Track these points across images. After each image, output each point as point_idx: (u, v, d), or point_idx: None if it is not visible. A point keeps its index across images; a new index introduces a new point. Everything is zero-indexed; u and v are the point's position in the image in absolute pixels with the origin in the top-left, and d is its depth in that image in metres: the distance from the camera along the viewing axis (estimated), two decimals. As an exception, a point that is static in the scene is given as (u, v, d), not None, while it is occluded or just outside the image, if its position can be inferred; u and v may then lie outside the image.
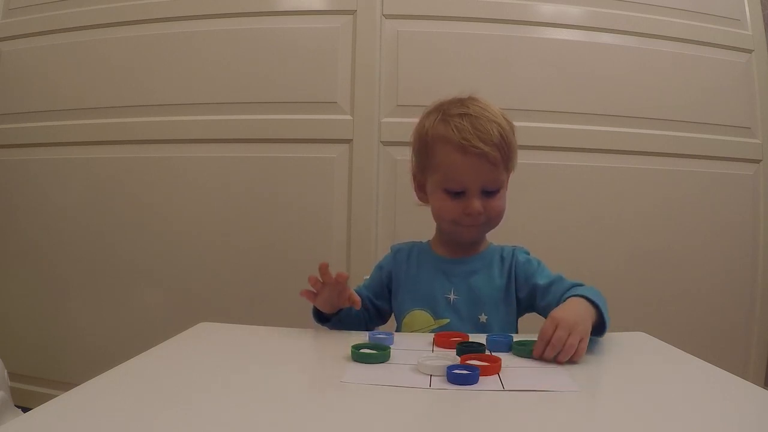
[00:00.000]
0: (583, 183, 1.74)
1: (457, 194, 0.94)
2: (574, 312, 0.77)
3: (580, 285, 0.91)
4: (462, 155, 0.92)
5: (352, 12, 1.74)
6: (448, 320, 0.96)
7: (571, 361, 0.70)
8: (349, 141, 1.72)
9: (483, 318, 0.96)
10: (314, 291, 0.91)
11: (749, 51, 1.85)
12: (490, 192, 0.95)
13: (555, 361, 0.70)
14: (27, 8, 1.92)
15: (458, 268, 1.00)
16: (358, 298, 0.92)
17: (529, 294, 0.97)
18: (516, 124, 1.01)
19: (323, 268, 0.88)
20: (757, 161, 1.84)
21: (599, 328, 0.80)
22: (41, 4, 1.90)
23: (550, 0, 1.76)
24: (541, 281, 0.95)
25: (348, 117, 1.72)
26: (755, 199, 1.83)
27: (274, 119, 1.74)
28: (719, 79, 1.82)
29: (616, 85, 1.76)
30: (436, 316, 0.97)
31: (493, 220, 0.97)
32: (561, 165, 1.73)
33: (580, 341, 0.71)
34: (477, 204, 0.93)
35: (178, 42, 1.79)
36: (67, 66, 1.86)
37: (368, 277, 1.11)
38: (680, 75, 1.80)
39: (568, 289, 0.89)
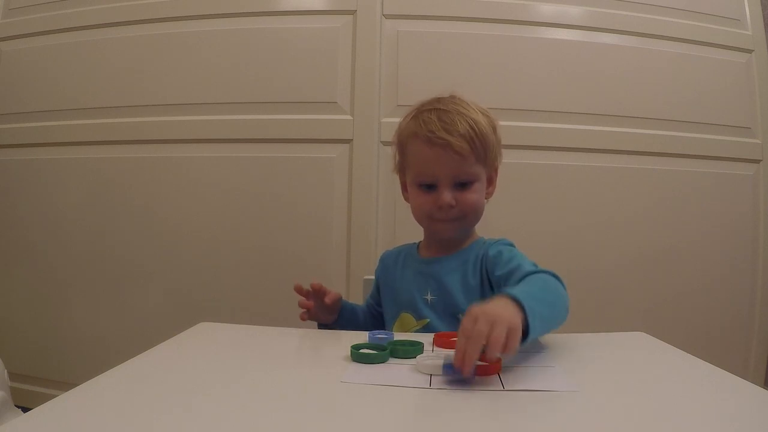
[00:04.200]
0: (583, 183, 1.74)
1: (430, 188, 0.95)
2: (493, 306, 0.65)
3: (535, 273, 0.83)
4: (429, 147, 0.93)
5: (352, 12, 1.74)
6: (428, 320, 0.96)
7: (504, 356, 0.61)
8: (349, 141, 1.72)
9: (461, 317, 0.93)
10: (307, 309, 0.98)
11: (749, 51, 1.85)
12: (463, 184, 0.94)
13: (482, 360, 0.60)
14: (27, 8, 1.92)
15: (433, 268, 1.00)
16: (334, 294, 0.99)
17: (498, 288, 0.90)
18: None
19: (298, 289, 0.97)
20: (757, 161, 1.84)
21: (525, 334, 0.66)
22: (41, 4, 1.90)
23: (550, 0, 1.76)
24: (498, 272, 0.90)
25: (348, 117, 1.72)
26: (755, 199, 1.83)
27: (274, 119, 1.74)
28: (719, 79, 1.82)
29: (616, 85, 1.76)
30: (418, 316, 0.98)
31: (468, 214, 0.96)
32: (561, 165, 1.73)
33: (508, 333, 0.60)
34: (447, 195, 0.93)
35: (178, 42, 1.79)
36: (67, 66, 1.86)
37: (369, 277, 1.15)
38: (680, 75, 1.80)
39: (518, 282, 0.81)
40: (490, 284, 0.94)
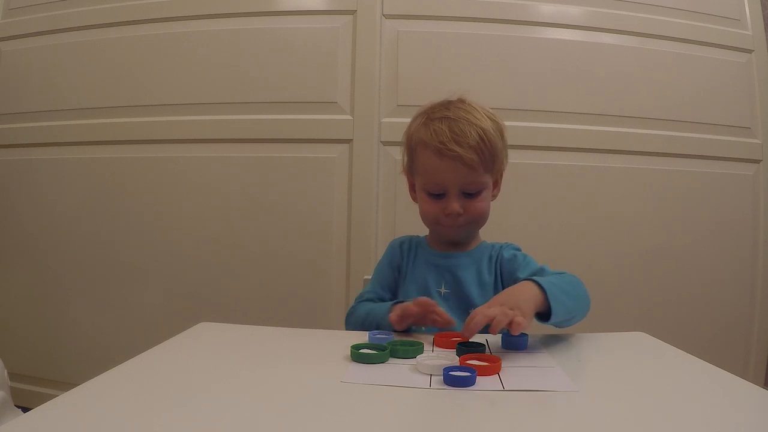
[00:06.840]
0: (583, 183, 1.74)
1: (438, 196, 0.97)
2: (511, 293, 0.78)
3: (562, 274, 0.91)
4: (438, 158, 0.94)
5: (352, 12, 1.74)
6: None
7: (511, 331, 0.70)
8: (349, 141, 1.72)
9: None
10: (406, 317, 0.86)
11: (749, 51, 1.85)
12: (471, 194, 0.97)
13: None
14: (27, 8, 1.92)
15: (448, 262, 1.02)
16: (452, 320, 0.87)
17: None
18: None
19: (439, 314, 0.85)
20: (757, 161, 1.84)
21: (547, 314, 0.78)
22: (41, 4, 1.90)
23: (550, 0, 1.76)
24: (522, 275, 0.94)
25: (348, 117, 1.72)
26: (755, 199, 1.83)
27: (274, 119, 1.74)
28: (719, 79, 1.82)
29: (616, 85, 1.76)
30: None
31: (475, 221, 0.99)
32: (561, 165, 1.73)
33: (514, 317, 0.70)
34: (455, 205, 0.96)
35: (178, 42, 1.79)
36: (67, 66, 1.86)
37: (369, 277, 1.12)
38: (680, 75, 1.80)
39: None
40: (502, 283, 0.99)
